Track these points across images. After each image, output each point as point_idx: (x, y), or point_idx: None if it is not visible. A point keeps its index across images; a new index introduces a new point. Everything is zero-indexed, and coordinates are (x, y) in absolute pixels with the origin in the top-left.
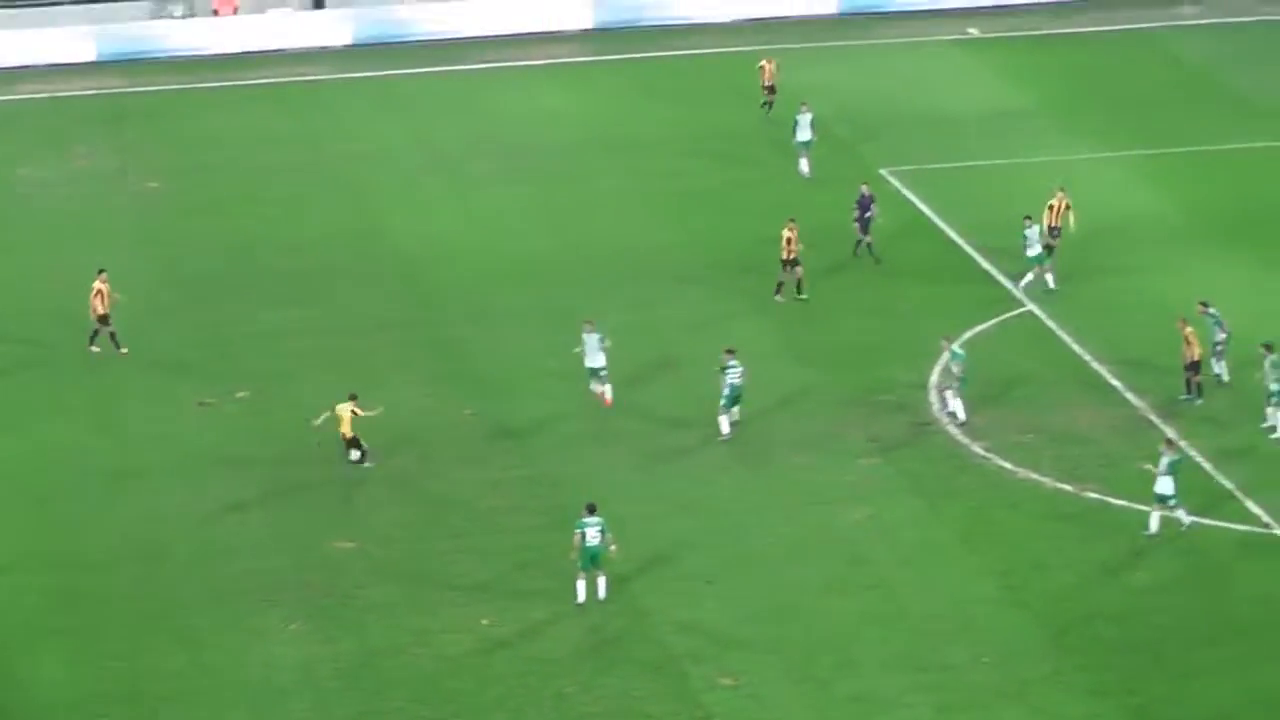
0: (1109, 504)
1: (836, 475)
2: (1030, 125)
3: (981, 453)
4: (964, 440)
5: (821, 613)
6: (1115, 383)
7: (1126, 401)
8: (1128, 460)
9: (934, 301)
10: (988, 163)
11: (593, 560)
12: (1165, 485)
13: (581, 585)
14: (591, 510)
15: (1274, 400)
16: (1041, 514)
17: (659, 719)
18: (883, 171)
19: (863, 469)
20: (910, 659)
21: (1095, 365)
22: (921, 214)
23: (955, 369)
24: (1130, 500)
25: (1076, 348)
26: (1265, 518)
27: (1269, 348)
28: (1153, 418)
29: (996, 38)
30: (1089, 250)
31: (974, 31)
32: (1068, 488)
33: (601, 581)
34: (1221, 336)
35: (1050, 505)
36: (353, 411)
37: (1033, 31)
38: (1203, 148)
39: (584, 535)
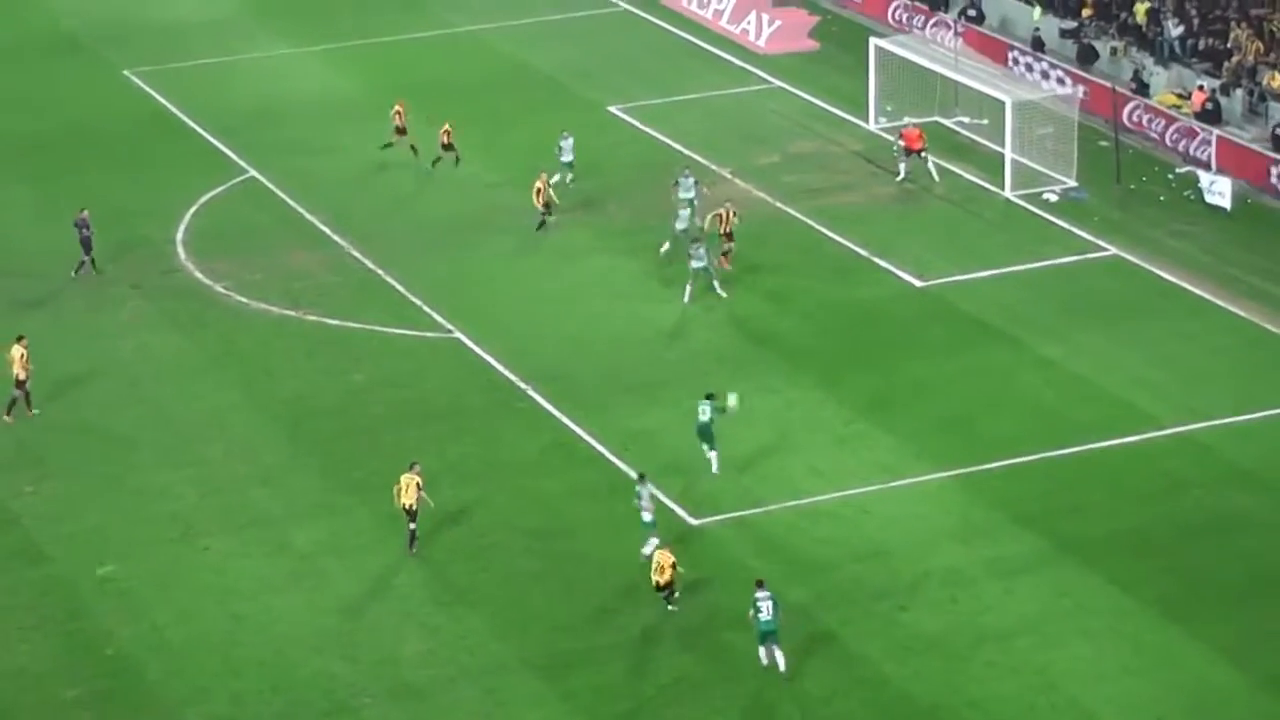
0: (326, 323)
1: (111, 315)
2: (239, 29)
3: (223, 290)
4: (208, 281)
5: (104, 426)
6: (323, 228)
7: (332, 241)
8: (339, 288)
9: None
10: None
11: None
12: None
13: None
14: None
15: None
16: (273, 334)
17: None
18: (126, 72)
19: (131, 310)
20: (177, 456)
21: (309, 216)
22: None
23: None
24: (343, 320)
25: (292, 203)
26: (445, 323)
27: None
28: (355, 253)
29: None
30: (293, 127)
31: None
32: (291, 313)
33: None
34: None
35: (279, 327)
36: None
37: None
38: (375, 40)
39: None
